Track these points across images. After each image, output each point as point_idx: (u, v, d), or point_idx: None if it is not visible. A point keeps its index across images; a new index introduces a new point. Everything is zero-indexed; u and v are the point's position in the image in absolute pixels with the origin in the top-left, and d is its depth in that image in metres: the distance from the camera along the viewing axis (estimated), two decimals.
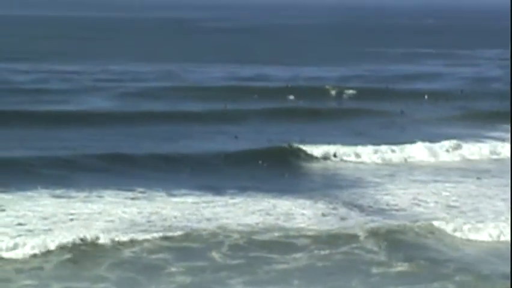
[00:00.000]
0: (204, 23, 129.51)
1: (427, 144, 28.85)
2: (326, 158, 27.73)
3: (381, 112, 37.36)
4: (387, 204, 22.00)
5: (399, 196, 22.97)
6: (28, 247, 17.35)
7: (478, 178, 25.58)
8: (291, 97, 41.43)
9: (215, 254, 17.70)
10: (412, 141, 29.14)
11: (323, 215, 20.70)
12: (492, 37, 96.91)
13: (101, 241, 17.93)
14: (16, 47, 67.83)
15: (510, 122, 33.72)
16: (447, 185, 24.44)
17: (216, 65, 56.21)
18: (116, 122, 32.88)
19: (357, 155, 27.77)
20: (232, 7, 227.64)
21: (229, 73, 51.39)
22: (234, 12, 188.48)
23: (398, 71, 55.62)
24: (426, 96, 42.54)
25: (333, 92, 42.97)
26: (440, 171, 26.51)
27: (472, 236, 19.35)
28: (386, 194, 23.08)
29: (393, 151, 28.19)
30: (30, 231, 18.49)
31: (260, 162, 26.52)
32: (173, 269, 16.90)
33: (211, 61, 58.78)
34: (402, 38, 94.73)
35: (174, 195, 22.13)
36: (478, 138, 31.29)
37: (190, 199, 21.85)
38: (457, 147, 29.10)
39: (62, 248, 17.45)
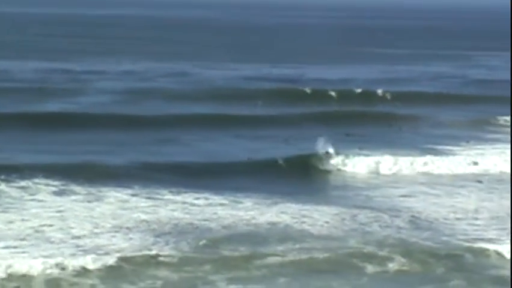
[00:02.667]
0: (213, 22, 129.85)
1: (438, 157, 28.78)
2: (334, 164, 27.61)
3: (387, 115, 37.51)
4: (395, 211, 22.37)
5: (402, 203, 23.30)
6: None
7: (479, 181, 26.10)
8: (298, 98, 41.52)
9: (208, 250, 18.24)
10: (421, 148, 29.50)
11: (334, 217, 21.04)
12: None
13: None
14: (21, 44, 68.14)
15: (510, 124, 33.67)
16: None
17: (220, 64, 56.51)
18: (112, 125, 32.61)
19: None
20: (242, 6, 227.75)
21: (233, 72, 51.69)
22: (242, 12, 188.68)
23: (402, 72, 55.58)
24: (430, 98, 42.73)
25: (333, 95, 42.73)
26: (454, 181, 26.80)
27: None
28: (394, 201, 23.40)
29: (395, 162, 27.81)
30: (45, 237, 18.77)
31: (264, 166, 26.68)
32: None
33: (216, 60, 59.07)
34: (410, 39, 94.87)
35: (180, 198, 22.46)
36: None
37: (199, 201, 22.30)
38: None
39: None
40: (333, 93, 42.75)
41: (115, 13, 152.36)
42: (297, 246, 18.64)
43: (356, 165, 27.35)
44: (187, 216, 20.82)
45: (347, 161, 27.54)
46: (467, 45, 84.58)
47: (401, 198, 23.81)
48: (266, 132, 32.82)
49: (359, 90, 43.60)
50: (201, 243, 18.66)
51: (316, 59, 62.55)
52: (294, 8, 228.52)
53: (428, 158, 28.08)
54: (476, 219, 21.72)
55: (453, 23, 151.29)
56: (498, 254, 18.62)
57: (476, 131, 34.35)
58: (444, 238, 19.79)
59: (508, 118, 36.15)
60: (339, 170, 27.31)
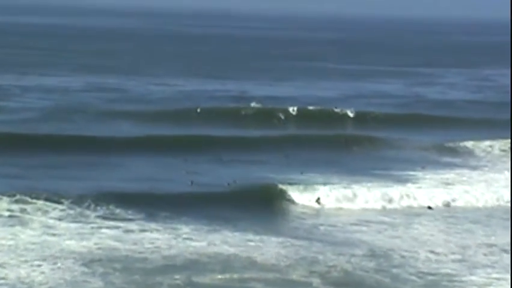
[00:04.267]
0: (148, 32, 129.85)
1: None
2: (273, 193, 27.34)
3: (338, 136, 37.64)
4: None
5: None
6: None
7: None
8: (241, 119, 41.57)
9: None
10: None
11: (282, 248, 21.19)
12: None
13: None
14: None
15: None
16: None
17: (157, 78, 56.54)
18: (35, 145, 32.08)
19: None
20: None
21: (172, 88, 51.72)
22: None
23: (350, 89, 55.82)
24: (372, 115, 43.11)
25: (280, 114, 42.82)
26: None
27: None
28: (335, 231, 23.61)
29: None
30: None
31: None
32: None
33: (152, 74, 59.08)
34: (357, 53, 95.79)
35: (113, 224, 22.50)
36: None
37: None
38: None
39: None
40: (280, 112, 42.71)
41: (37, 22, 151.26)
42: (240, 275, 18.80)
43: (305, 193, 27.21)
44: (118, 243, 20.77)
45: (294, 188, 27.42)
46: (418, 62, 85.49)
47: (354, 227, 23.98)
48: (210, 154, 32.71)
49: (311, 108, 43.61)
50: (133, 275, 18.62)
51: (263, 74, 62.79)
52: (227, 18, 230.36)
53: (383, 185, 28.22)
54: (438, 248, 22.02)
55: (398, 38, 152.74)
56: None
57: (433, 155, 34.74)
58: (396, 270, 20.00)
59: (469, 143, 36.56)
60: (288, 197, 27.13)
